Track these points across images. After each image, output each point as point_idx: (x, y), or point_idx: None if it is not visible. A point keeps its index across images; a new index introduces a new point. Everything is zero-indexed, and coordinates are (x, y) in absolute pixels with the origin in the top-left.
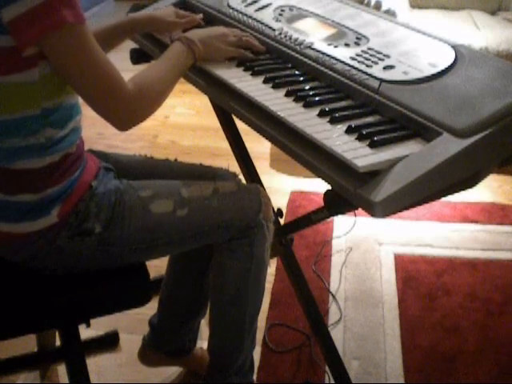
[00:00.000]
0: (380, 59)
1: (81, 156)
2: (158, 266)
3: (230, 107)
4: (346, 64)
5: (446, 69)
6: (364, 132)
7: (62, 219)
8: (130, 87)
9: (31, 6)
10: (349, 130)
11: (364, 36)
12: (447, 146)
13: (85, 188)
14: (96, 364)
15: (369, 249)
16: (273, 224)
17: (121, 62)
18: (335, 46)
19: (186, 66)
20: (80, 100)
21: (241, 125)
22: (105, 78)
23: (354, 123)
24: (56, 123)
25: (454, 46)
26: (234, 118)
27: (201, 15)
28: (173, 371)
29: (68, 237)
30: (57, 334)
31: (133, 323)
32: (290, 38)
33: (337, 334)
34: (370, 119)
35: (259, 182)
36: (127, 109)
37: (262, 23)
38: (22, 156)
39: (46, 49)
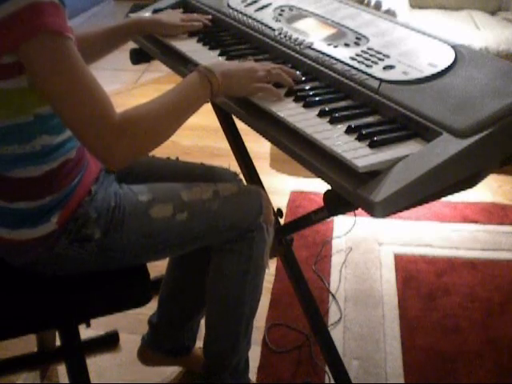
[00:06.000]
0: (380, 59)
1: (81, 160)
2: (158, 266)
3: (230, 108)
4: (346, 64)
5: (446, 69)
6: (364, 132)
7: (62, 225)
8: (118, 117)
9: (7, 14)
10: (349, 130)
11: (364, 36)
12: (447, 146)
13: (84, 193)
14: (96, 364)
15: (369, 249)
16: (273, 227)
17: (121, 62)
18: (335, 46)
19: (201, 99)
20: None
21: (241, 125)
22: (88, 100)
23: (353, 123)
24: (52, 130)
25: (453, 46)
26: (234, 117)
27: (209, 16)
28: (172, 371)
29: (67, 243)
30: (57, 333)
31: (133, 323)
32: (290, 38)
33: (337, 334)
34: (369, 119)
35: (259, 182)
36: (108, 141)
37: (262, 23)
38: (19, 164)
39: (23, 58)
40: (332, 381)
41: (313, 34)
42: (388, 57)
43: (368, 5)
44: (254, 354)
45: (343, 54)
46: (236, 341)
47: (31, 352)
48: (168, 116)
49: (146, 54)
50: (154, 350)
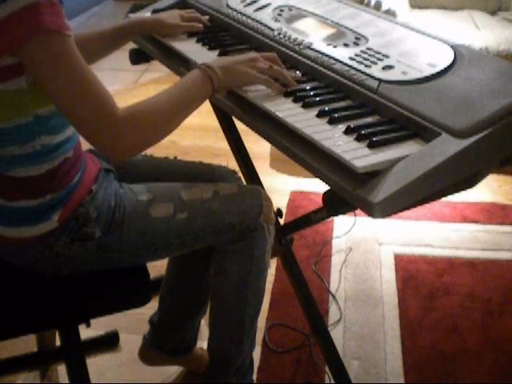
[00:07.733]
0: (379, 59)
1: (79, 158)
2: (158, 266)
3: (229, 108)
4: (345, 64)
5: (446, 69)
6: (363, 132)
7: (62, 224)
8: (120, 112)
9: (4, 15)
10: (348, 131)
11: (363, 36)
12: (446, 147)
13: (85, 192)
14: (96, 364)
15: (369, 249)
16: (274, 226)
17: (121, 62)
18: (334, 46)
19: (202, 95)
20: None
21: (241, 125)
22: (89, 96)
23: (353, 123)
24: (51, 130)
25: (453, 46)
26: (234, 118)
27: (206, 17)
28: (173, 371)
29: (68, 241)
30: (57, 333)
31: (133, 323)
32: (289, 38)
33: (337, 334)
34: (369, 119)
35: (259, 182)
36: (112, 135)
37: (261, 23)
38: (20, 164)
39: (24, 59)
40: (332, 381)
41: (312, 34)
42: (387, 57)
43: (368, 5)
44: (254, 354)
45: (342, 54)
46: (240, 341)
47: (31, 352)
48: (170, 111)
49: (146, 54)
50: (155, 350)
